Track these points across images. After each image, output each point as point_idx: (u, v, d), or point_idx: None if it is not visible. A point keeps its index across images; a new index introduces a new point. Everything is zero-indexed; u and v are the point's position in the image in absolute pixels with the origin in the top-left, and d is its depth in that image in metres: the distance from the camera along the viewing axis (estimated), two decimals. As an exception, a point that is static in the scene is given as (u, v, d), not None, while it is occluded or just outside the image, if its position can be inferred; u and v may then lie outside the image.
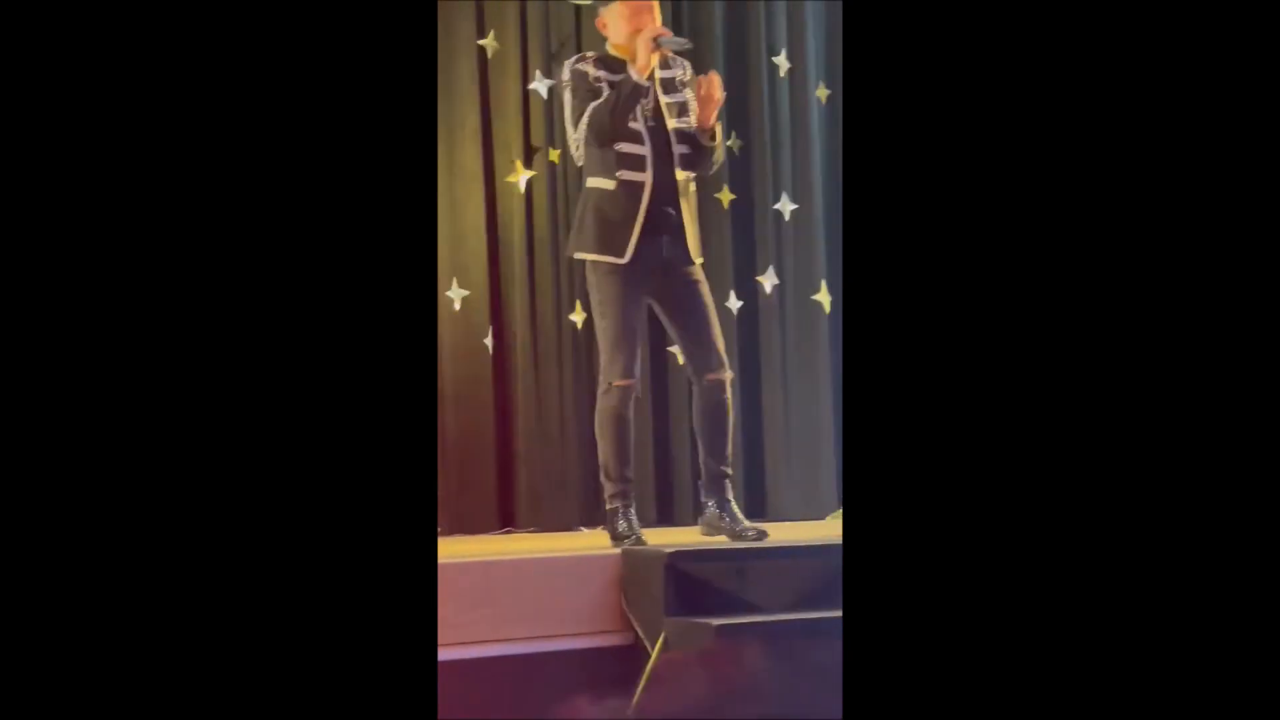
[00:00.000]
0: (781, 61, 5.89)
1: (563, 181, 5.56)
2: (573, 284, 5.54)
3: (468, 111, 5.40)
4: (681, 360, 4.70)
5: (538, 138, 5.56)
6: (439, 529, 4.96)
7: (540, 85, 5.52)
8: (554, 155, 5.53)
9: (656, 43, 4.19)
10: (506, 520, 5.48)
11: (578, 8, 5.52)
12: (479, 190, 5.46)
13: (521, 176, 5.50)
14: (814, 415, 5.91)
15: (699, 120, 4.30)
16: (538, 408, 5.54)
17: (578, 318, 5.49)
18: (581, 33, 5.54)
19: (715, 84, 4.26)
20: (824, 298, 5.92)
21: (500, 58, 5.52)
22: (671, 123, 4.34)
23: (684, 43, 4.31)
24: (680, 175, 4.33)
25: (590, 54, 4.40)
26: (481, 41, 5.46)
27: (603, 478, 4.42)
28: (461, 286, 5.46)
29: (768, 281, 5.82)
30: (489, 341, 5.47)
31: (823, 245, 5.95)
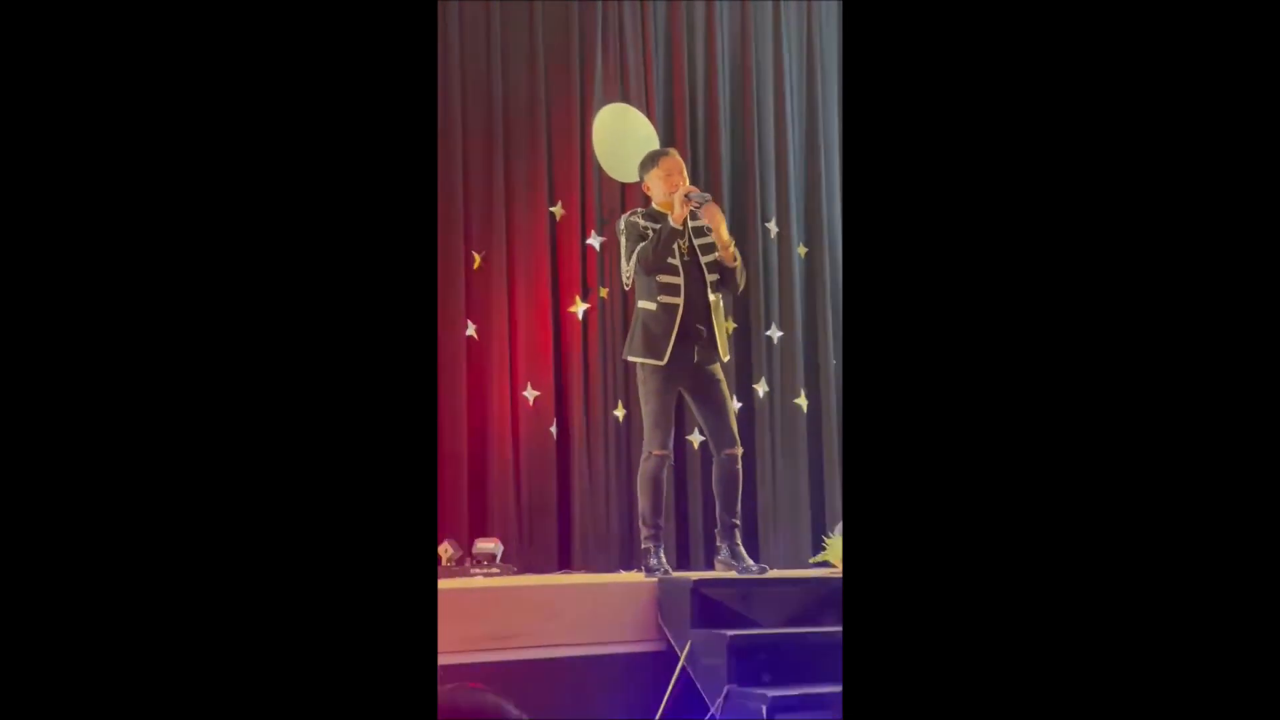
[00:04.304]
0: (772, 227, 6.76)
1: (609, 312, 6.42)
2: (616, 388, 6.35)
3: (544, 260, 6.34)
4: (703, 438, 5.37)
5: (592, 280, 6.45)
6: (515, 571, 5.65)
7: (594, 241, 6.43)
8: (604, 293, 6.42)
9: (687, 198, 5.03)
10: (564, 564, 6.20)
11: (622, 185, 6.35)
12: (549, 318, 6.31)
13: (580, 308, 6.36)
14: (794, 490, 6.64)
15: (723, 258, 5.08)
16: (589, 480, 6.26)
17: (620, 413, 6.32)
18: (624, 204, 6.35)
19: (713, 213, 5.06)
20: (802, 402, 6.68)
21: (565, 220, 6.42)
22: (705, 258, 5.03)
23: (706, 197, 5.11)
24: (712, 297, 5.04)
25: (639, 210, 5.20)
26: (552, 209, 6.46)
27: (641, 524, 5.10)
28: (534, 388, 6.27)
29: (760, 389, 6.60)
30: (554, 430, 6.24)
31: (801, 362, 6.70)
